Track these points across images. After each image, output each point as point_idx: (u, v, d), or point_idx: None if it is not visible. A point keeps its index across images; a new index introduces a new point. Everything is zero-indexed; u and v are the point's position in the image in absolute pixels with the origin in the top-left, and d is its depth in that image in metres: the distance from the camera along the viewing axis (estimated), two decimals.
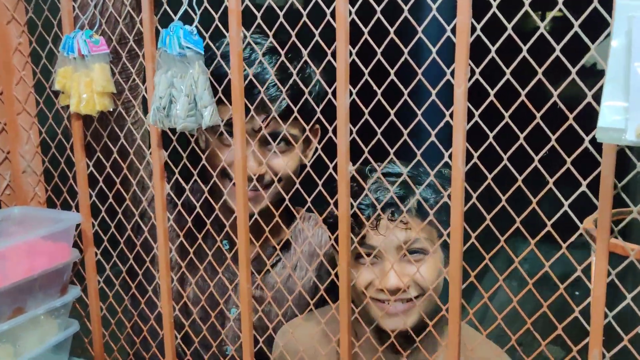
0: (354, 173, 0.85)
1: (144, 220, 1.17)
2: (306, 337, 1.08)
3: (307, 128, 0.90)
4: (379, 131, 0.80)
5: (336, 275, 0.87)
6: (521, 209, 0.72)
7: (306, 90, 0.91)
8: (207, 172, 1.04)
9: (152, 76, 0.94)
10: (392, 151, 0.82)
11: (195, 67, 0.89)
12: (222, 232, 1.06)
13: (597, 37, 0.66)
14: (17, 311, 1.02)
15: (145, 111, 0.99)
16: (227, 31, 0.86)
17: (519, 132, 0.70)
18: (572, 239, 0.71)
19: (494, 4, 0.69)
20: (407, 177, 0.84)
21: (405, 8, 0.77)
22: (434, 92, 0.74)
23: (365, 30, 0.78)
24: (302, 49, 0.87)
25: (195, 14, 0.88)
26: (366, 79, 0.79)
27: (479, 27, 0.71)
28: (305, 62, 1.00)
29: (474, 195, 0.74)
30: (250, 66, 1.04)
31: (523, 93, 0.70)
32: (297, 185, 0.95)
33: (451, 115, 0.73)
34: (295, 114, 0.92)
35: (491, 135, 0.72)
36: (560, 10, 0.68)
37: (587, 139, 0.65)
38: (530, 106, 0.70)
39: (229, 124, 0.92)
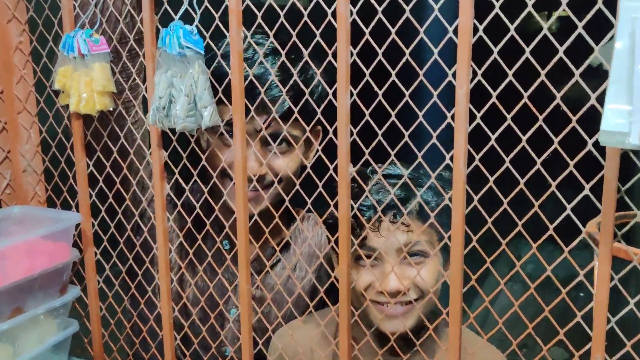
0: (355, 174, 0.84)
1: (144, 221, 1.16)
2: (304, 339, 1.07)
3: (307, 129, 0.89)
4: (379, 132, 0.79)
5: (335, 277, 0.86)
6: (523, 211, 0.72)
7: (307, 91, 0.91)
8: (208, 172, 1.03)
9: (152, 76, 0.93)
10: (392, 153, 0.82)
11: (195, 67, 0.88)
12: (222, 233, 1.05)
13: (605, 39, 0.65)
14: (17, 311, 1.02)
15: (146, 111, 0.98)
16: (228, 31, 0.86)
17: (521, 135, 0.69)
18: (574, 243, 0.70)
19: (497, 5, 0.68)
20: (408, 179, 0.83)
21: (407, 8, 0.76)
22: (435, 93, 0.74)
23: (367, 31, 0.77)
24: (304, 50, 0.86)
25: (196, 14, 0.88)
26: (367, 80, 0.78)
27: (481, 27, 0.70)
28: (308, 62, 1.00)
29: (476, 198, 0.74)
30: (254, 66, 1.03)
31: (526, 95, 0.69)
32: (297, 187, 0.94)
33: (453, 117, 0.73)
34: (296, 114, 0.91)
35: (493, 137, 0.72)
36: (569, 10, 0.67)
37: (590, 141, 0.64)
38: (532, 108, 0.69)
39: (230, 124, 0.91)
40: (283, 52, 0.87)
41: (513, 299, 0.74)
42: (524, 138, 0.69)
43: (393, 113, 0.78)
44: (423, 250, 0.97)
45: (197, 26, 0.89)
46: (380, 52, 0.77)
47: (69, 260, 1.08)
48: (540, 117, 0.68)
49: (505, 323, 0.75)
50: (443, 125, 0.74)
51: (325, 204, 0.88)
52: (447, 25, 0.71)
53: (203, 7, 0.89)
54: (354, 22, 0.78)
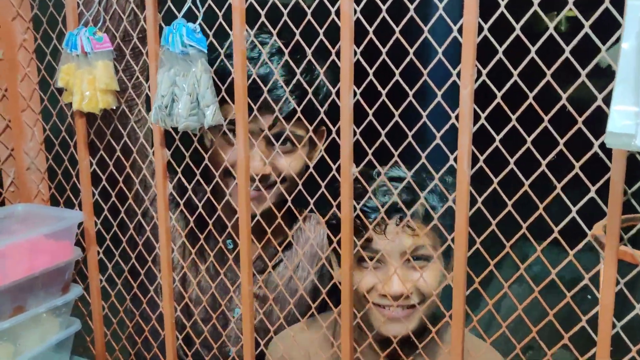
0: (358, 175, 0.83)
1: (146, 220, 1.16)
2: (306, 342, 1.06)
3: (311, 129, 0.89)
4: (382, 133, 0.78)
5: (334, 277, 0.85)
6: (528, 213, 0.71)
7: (310, 90, 0.90)
8: (211, 172, 1.03)
9: (156, 74, 0.92)
10: (396, 153, 0.81)
11: (197, 66, 0.88)
12: (225, 232, 1.05)
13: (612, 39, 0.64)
14: (18, 309, 1.01)
15: (149, 109, 0.98)
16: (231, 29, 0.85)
17: (526, 136, 0.68)
18: (580, 246, 0.69)
19: (502, 4, 0.67)
20: (412, 181, 0.82)
21: (411, 7, 0.75)
22: (439, 93, 0.73)
23: (370, 30, 0.77)
24: (307, 49, 0.86)
25: (199, 12, 0.87)
26: (370, 79, 0.78)
27: (486, 27, 0.69)
28: (313, 62, 0.99)
29: (480, 200, 0.73)
30: (260, 66, 1.03)
31: (531, 95, 0.68)
32: (300, 187, 0.93)
33: (457, 117, 0.72)
34: (299, 114, 0.90)
35: (497, 138, 0.71)
36: (575, 10, 0.66)
37: (596, 143, 0.63)
38: (538, 109, 0.68)
39: (233, 123, 0.90)
40: (286, 52, 0.86)
41: (517, 302, 0.73)
42: (529, 139, 0.68)
43: (397, 113, 0.77)
44: (427, 254, 0.96)
45: (200, 24, 0.88)
46: (384, 51, 0.76)
47: (71, 258, 1.08)
48: (546, 118, 0.67)
49: (510, 325, 0.74)
50: (447, 126, 0.73)
51: (328, 205, 0.87)
52: (451, 24, 0.70)
53: (206, 6, 0.88)
54: (357, 21, 0.77)
